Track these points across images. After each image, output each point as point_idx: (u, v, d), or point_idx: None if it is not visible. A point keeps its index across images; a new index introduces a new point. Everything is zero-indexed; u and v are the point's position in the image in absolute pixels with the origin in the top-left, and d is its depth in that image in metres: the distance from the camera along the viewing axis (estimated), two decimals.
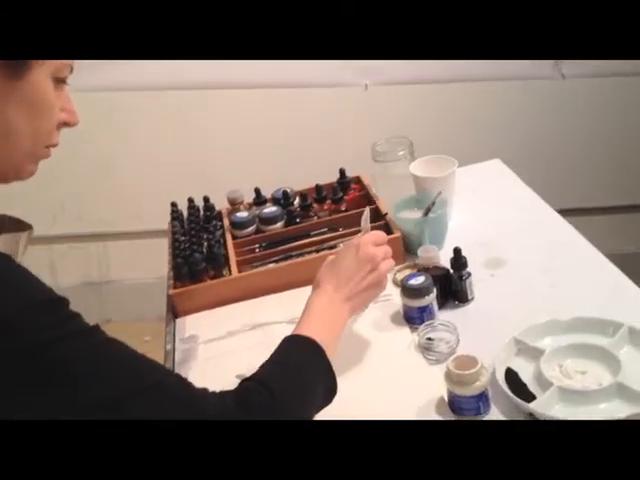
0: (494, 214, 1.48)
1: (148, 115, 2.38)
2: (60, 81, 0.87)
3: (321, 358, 0.95)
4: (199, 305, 1.33)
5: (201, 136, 2.40)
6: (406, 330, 1.19)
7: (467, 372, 0.99)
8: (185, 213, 1.53)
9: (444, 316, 1.20)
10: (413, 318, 1.19)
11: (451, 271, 1.22)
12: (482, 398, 0.99)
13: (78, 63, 0.90)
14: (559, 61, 2.18)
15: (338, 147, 2.19)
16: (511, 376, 1.04)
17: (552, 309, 1.14)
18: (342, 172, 1.53)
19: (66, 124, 0.91)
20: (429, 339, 1.14)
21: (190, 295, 1.33)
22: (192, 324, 1.32)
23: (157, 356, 1.25)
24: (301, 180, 1.56)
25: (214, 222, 1.49)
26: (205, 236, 1.42)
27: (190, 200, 1.54)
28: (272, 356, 0.94)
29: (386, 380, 1.11)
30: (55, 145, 0.91)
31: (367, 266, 1.06)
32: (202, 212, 1.52)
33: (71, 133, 0.95)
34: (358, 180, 1.55)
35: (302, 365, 0.93)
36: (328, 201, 1.48)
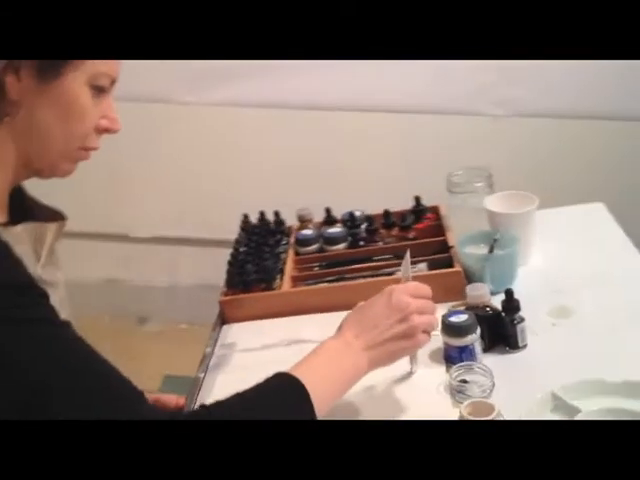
0: (579, 261, 1.36)
1: (237, 130, 2.45)
2: (99, 89, 0.91)
3: (298, 404, 0.88)
4: (246, 314, 1.32)
5: (283, 155, 2.42)
6: (442, 369, 1.11)
7: (477, 418, 0.90)
8: None
9: (489, 360, 1.11)
10: (452, 357, 1.10)
11: (503, 314, 1.13)
12: None
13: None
14: None
15: (416, 174, 2.11)
16: None
17: (611, 372, 1.02)
18: (417, 200, 1.48)
19: (107, 130, 0.95)
20: (463, 381, 1.05)
21: (238, 304, 1.32)
22: (236, 332, 1.31)
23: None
24: (378, 205, 1.51)
25: (279, 237, 1.47)
26: (266, 249, 1.40)
27: (261, 213, 1.53)
28: (247, 389, 0.88)
29: (403, 416, 1.04)
30: (93, 149, 0.95)
31: (397, 315, 0.97)
32: (272, 226, 1.51)
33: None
34: (435, 210, 1.49)
35: (265, 404, 0.87)
36: (396, 228, 1.43)
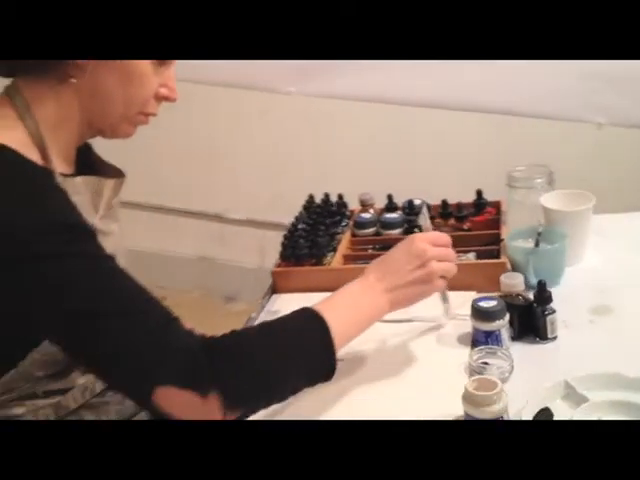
0: (633, 265, 1.33)
1: (332, 121, 2.54)
2: (160, 60, 0.97)
3: (319, 332, 0.94)
4: (295, 286, 1.37)
5: (370, 145, 2.49)
6: (467, 352, 1.13)
7: (481, 393, 0.92)
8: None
9: (517, 348, 1.12)
10: (478, 342, 1.12)
11: (534, 304, 1.13)
12: None
13: None
14: None
15: (481, 168, 2.10)
16: (544, 415, 0.95)
17: (637, 370, 1.00)
18: (479, 193, 1.49)
19: (166, 98, 1.02)
20: (484, 363, 1.07)
21: (288, 275, 1.38)
22: (283, 302, 1.36)
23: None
24: (443, 195, 1.53)
25: (339, 218, 1.52)
26: (321, 227, 1.46)
27: (326, 195, 1.59)
28: (273, 319, 0.95)
29: (416, 393, 1.07)
30: (152, 114, 1.03)
31: (416, 261, 1.03)
32: (333, 208, 1.56)
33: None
34: (496, 205, 1.49)
35: (290, 333, 0.93)
36: (452, 218, 1.45)
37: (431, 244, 1.05)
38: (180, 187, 2.87)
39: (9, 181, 0.87)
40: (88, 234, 0.90)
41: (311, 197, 1.59)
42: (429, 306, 1.14)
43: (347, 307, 1.00)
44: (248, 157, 2.73)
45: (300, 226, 1.48)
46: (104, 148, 1.12)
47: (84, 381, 1.00)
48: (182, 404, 0.84)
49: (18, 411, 0.97)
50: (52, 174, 0.93)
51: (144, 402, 0.86)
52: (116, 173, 1.08)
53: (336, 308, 0.98)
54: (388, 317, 1.07)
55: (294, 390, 0.94)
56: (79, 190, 0.98)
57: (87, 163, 1.07)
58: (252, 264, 2.86)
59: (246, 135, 2.69)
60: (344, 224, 1.52)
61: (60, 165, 0.97)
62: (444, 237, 1.08)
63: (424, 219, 1.16)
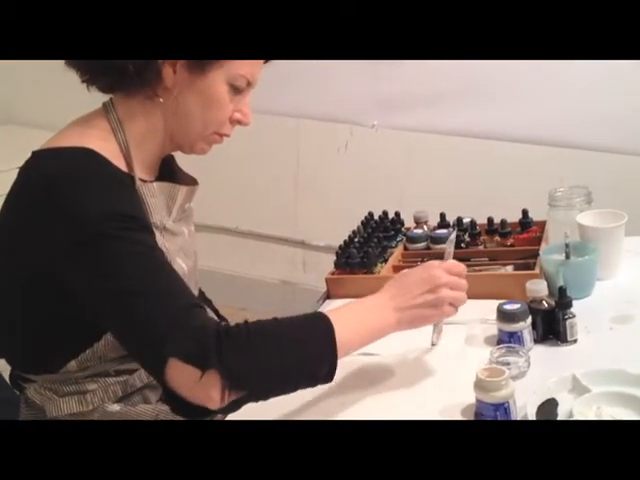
0: None
1: (410, 153, 2.67)
2: (236, 88, 1.13)
3: (324, 334, 1.01)
4: (347, 293, 1.49)
5: (443, 177, 2.61)
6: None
7: (489, 379, 1.02)
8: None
9: (538, 349, 1.22)
10: (502, 342, 1.22)
11: (556, 309, 1.22)
12: (500, 409, 1.02)
13: None
14: None
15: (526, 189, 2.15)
16: (549, 404, 1.03)
17: None
18: (525, 212, 1.58)
19: (239, 122, 1.17)
20: (506, 363, 1.16)
21: (340, 282, 1.51)
22: (334, 305, 1.47)
23: None
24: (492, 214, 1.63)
25: (393, 233, 1.65)
26: (374, 240, 1.59)
27: (384, 212, 1.72)
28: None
29: (441, 384, 1.17)
30: (226, 135, 1.18)
31: (428, 286, 1.11)
32: (388, 224, 1.69)
33: None
34: (542, 224, 1.58)
35: (297, 330, 1.02)
36: (497, 235, 1.55)
37: (446, 272, 1.12)
38: (267, 216, 3.06)
39: (94, 177, 1.04)
40: (147, 228, 1.05)
41: (370, 214, 1.72)
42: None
43: (355, 317, 1.08)
44: (328, 187, 2.88)
45: (356, 239, 1.61)
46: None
47: None
48: (185, 377, 0.94)
49: (91, 387, 1.12)
50: (132, 179, 1.10)
51: (157, 372, 0.96)
52: (190, 181, 1.25)
53: (345, 317, 1.07)
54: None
55: (295, 385, 1.01)
56: (154, 193, 1.14)
57: (169, 171, 1.23)
58: None
59: (326, 166, 2.85)
60: (399, 239, 1.65)
61: (142, 172, 1.13)
62: (459, 267, 1.16)
63: (449, 244, 1.24)
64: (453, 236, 1.26)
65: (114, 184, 1.05)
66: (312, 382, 1.03)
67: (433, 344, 1.26)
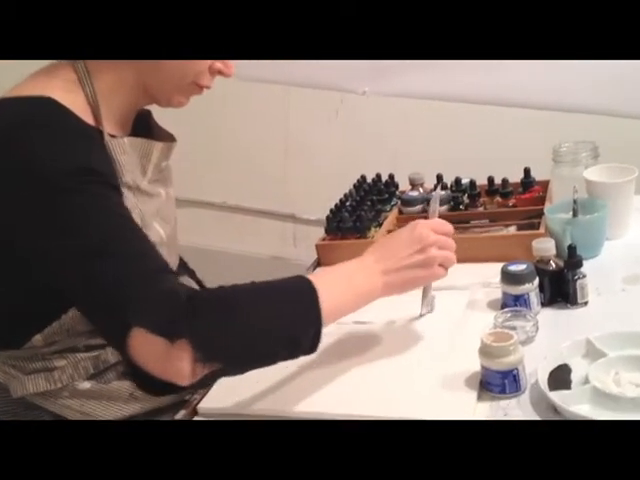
0: None
1: (404, 120, 2.56)
2: None
3: (308, 301, 0.91)
4: (339, 259, 1.35)
5: (438, 143, 2.50)
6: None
7: (495, 344, 0.93)
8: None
9: (547, 313, 1.13)
10: (507, 305, 1.13)
11: (565, 270, 1.13)
12: (509, 376, 0.93)
13: None
14: None
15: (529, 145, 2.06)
16: (562, 371, 0.95)
17: None
18: (526, 171, 1.48)
19: (220, 72, 1.07)
20: (512, 327, 1.07)
21: (332, 248, 1.42)
22: None
23: None
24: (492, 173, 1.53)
25: (387, 196, 1.55)
26: (367, 203, 1.49)
27: (377, 175, 1.62)
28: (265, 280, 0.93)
29: (444, 351, 1.08)
30: (206, 86, 1.07)
31: (416, 246, 1.02)
32: (382, 187, 1.59)
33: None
34: (544, 184, 1.49)
35: (278, 297, 0.91)
36: (498, 195, 1.45)
37: (433, 231, 1.04)
38: (255, 188, 2.96)
39: (54, 129, 0.94)
40: (114, 187, 0.96)
41: (363, 177, 1.62)
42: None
43: (340, 282, 0.98)
44: (319, 158, 2.79)
45: (348, 202, 1.51)
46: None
47: None
48: (150, 348, 0.84)
49: (59, 363, 1.02)
50: (100, 133, 1.00)
51: (118, 342, 0.87)
52: (168, 138, 1.14)
53: (330, 282, 0.97)
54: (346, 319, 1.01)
55: (273, 356, 0.91)
56: (125, 150, 1.03)
57: (144, 127, 1.13)
58: None
59: (318, 135, 2.75)
60: (393, 203, 1.55)
61: (113, 127, 1.03)
62: (447, 225, 1.07)
63: (434, 202, 1.14)
64: (436, 193, 1.17)
65: (77, 137, 0.96)
66: (294, 353, 0.92)
67: (422, 314, 1.17)
